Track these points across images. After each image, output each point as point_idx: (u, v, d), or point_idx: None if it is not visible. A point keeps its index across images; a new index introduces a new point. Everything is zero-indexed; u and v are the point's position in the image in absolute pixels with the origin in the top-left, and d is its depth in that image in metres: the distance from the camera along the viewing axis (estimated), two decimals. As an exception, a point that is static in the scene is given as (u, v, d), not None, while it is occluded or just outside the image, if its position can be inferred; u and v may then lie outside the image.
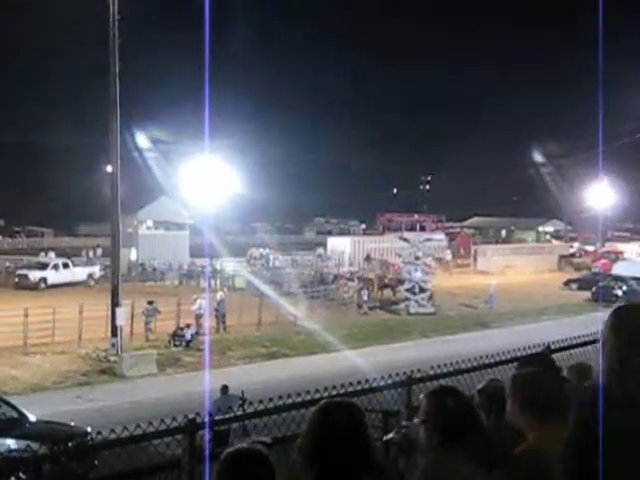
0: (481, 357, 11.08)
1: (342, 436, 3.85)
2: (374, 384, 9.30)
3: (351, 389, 8.53)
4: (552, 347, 10.71)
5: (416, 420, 5.06)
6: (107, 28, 38.46)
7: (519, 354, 10.04)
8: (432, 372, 9.70)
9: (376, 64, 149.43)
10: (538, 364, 7.10)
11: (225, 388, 23.41)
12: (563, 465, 3.61)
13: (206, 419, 8.56)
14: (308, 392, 8.19)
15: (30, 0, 60.34)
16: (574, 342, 11.15)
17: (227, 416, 10.93)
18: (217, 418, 9.83)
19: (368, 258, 69.89)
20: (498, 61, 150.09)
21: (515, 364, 8.62)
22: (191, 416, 7.96)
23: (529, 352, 9.81)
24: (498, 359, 10.44)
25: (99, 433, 9.60)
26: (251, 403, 9.74)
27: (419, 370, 9.76)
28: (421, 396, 5.00)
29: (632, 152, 60.99)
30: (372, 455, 3.88)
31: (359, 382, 9.48)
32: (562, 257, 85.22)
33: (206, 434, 8.08)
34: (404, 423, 6.26)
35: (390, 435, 5.97)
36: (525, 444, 4.62)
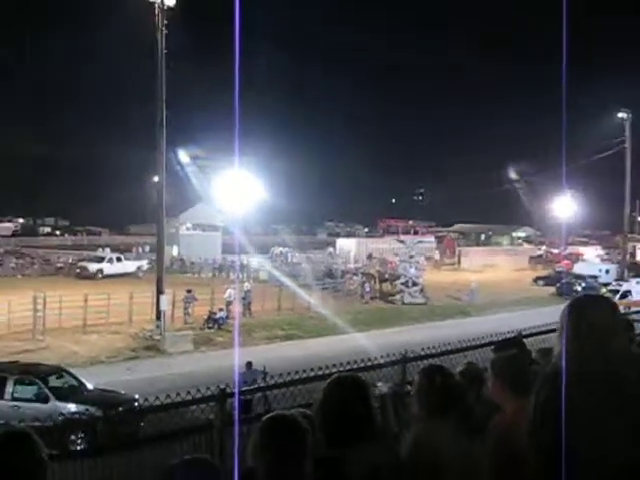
0: (464, 340, 11.07)
1: (351, 405, 3.85)
2: (375, 362, 9.30)
3: (356, 366, 8.53)
4: (523, 333, 10.69)
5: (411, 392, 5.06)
6: (156, 61, 38.61)
7: (495, 339, 10.05)
8: (423, 353, 9.69)
9: (380, 96, 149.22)
10: (511, 347, 7.10)
11: (249, 364, 23.28)
12: (531, 425, 3.61)
13: (235, 389, 8.57)
14: (320, 368, 8.19)
15: (94, 37, 60.23)
16: (542, 329, 11.13)
17: (252, 387, 10.92)
18: (243, 389, 9.84)
19: (370, 257, 69.88)
20: (480, 94, 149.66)
21: (492, 347, 8.66)
22: (222, 386, 7.96)
23: (504, 337, 9.81)
24: (478, 343, 10.43)
25: (146, 400, 9.60)
26: (272, 377, 9.72)
27: (412, 351, 9.77)
28: (415, 376, 5.00)
29: (590, 171, 60.72)
30: (375, 422, 3.88)
31: (362, 360, 9.47)
32: (532, 258, 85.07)
33: (235, 401, 8.08)
34: (395, 382, 6.28)
35: (383, 388, 5.96)
36: (502, 416, 4.61)
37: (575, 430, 3.45)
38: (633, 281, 51.71)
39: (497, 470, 4.11)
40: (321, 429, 3.79)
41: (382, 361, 9.30)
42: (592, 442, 3.46)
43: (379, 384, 5.52)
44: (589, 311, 3.80)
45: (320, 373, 8.14)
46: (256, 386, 11.06)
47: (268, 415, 3.77)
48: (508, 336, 10.29)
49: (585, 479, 3.46)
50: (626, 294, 45.62)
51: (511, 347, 7.00)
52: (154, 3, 38.54)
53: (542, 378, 3.71)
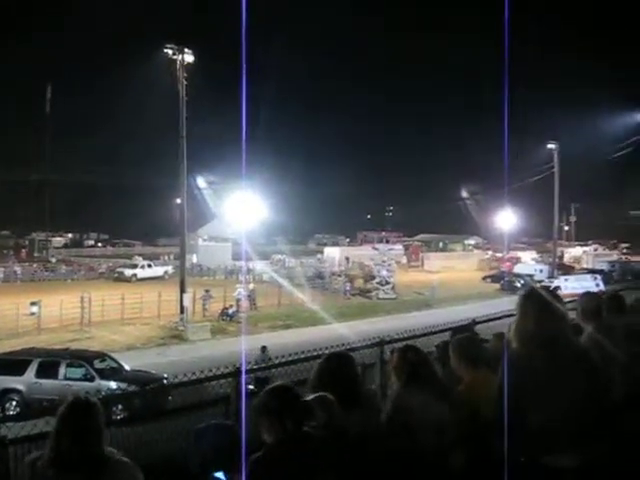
0: (427, 327, 11.07)
1: (340, 377, 3.86)
2: (359, 344, 9.29)
3: (343, 348, 8.53)
4: (478, 320, 10.72)
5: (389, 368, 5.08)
6: (178, 105, 38.73)
7: (452, 326, 10.07)
8: (396, 336, 9.67)
9: (358, 131, 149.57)
10: (466, 331, 7.12)
11: (264, 348, 23.04)
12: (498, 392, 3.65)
13: (242, 367, 8.55)
14: (315, 350, 8.18)
15: (129, 83, 60.29)
16: (490, 317, 11.15)
17: (261, 365, 10.88)
18: (254, 367, 9.82)
19: (347, 260, 69.91)
20: (435, 125, 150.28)
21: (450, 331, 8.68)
22: (237, 366, 7.95)
23: (461, 324, 9.83)
24: (439, 328, 10.43)
25: (175, 377, 9.56)
26: (270, 358, 9.67)
27: (388, 335, 9.76)
28: (389, 352, 5.01)
29: (526, 190, 61.04)
30: (361, 391, 3.88)
31: (348, 343, 9.47)
32: (481, 261, 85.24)
33: (242, 378, 8.04)
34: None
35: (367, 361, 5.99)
36: (462, 385, 4.64)
37: (526, 392, 3.50)
38: (562, 278, 51.87)
39: (459, 423, 4.14)
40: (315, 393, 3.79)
41: (365, 344, 9.29)
42: (536, 399, 3.50)
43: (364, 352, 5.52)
44: (535, 302, 3.84)
45: (315, 354, 8.15)
46: (262, 365, 11.03)
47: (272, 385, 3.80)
48: (464, 323, 10.34)
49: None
50: (556, 289, 45.54)
51: (466, 331, 7.02)
52: (176, 60, 38.66)
53: (505, 360, 3.74)
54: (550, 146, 62.37)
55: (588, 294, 5.58)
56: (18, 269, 66.69)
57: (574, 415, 3.48)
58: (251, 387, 9.04)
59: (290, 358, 8.71)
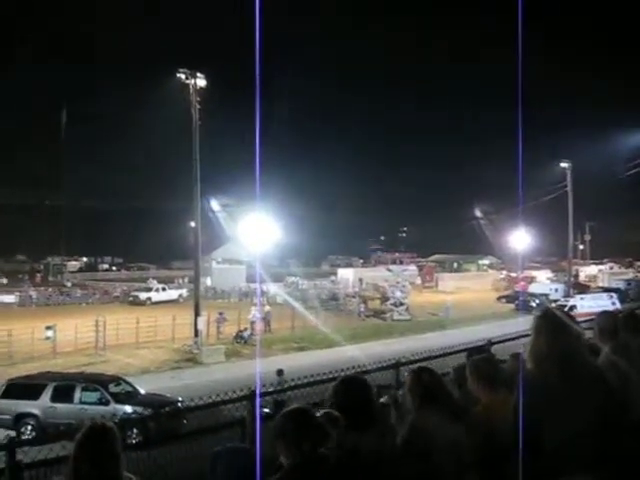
0: (442, 348, 11.02)
1: (355, 400, 3.85)
2: (374, 367, 9.25)
3: (359, 370, 8.50)
4: (492, 341, 10.66)
5: (401, 391, 5.06)
6: (191, 129, 39.02)
7: (468, 347, 10.03)
8: (412, 358, 9.65)
9: (370, 155, 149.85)
10: (482, 352, 7.09)
11: (280, 371, 22.61)
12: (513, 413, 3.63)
13: (257, 390, 8.53)
14: (330, 372, 8.16)
15: (142, 108, 60.84)
16: (507, 337, 11.10)
17: (271, 389, 10.84)
18: (268, 390, 9.78)
19: (361, 281, 69.78)
20: (448, 147, 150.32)
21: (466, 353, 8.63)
22: (252, 389, 7.93)
23: (477, 344, 9.79)
24: (455, 349, 10.39)
25: (191, 400, 9.56)
26: (286, 380, 9.64)
27: (403, 357, 9.73)
28: (406, 374, 4.99)
29: (540, 209, 60.75)
30: (376, 413, 3.87)
31: (361, 365, 9.43)
32: (495, 281, 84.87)
33: (256, 401, 8.01)
34: (392, 392, 6.25)
35: (382, 399, 5.96)
36: (480, 406, 4.62)
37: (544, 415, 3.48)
38: (578, 297, 51.54)
39: (475, 445, 4.11)
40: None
41: (380, 365, 9.26)
42: (554, 420, 3.48)
43: (382, 399, 5.50)
44: (551, 322, 3.83)
45: (329, 377, 8.13)
46: (278, 388, 10.97)
47: (288, 407, 3.80)
48: (479, 343, 10.29)
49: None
50: (572, 308, 45.34)
51: (482, 352, 6.99)
52: (189, 84, 39.02)
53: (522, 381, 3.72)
54: (563, 165, 62.28)
55: (605, 313, 5.55)
56: (33, 293, 67.10)
57: (590, 436, 3.45)
58: (267, 410, 9.02)
59: (305, 381, 8.69)
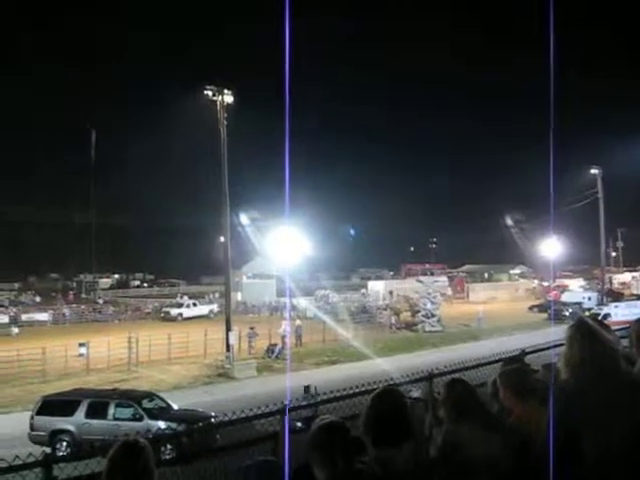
0: (476, 359, 10.93)
1: (390, 413, 3.82)
2: (406, 379, 9.20)
3: (392, 382, 8.45)
4: (526, 350, 10.55)
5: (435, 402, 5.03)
6: (219, 145, 39.28)
7: (500, 357, 9.93)
8: (445, 369, 9.57)
9: (399, 164, 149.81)
10: (515, 362, 7.02)
11: (307, 387, 22.51)
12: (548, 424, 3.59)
13: (287, 405, 8.51)
14: (363, 385, 8.12)
15: (170, 126, 61.38)
16: (540, 347, 10.96)
17: (307, 403, 10.82)
18: (301, 404, 9.77)
19: (391, 293, 69.54)
20: (478, 156, 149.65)
21: (500, 363, 8.54)
22: (284, 403, 7.92)
23: (510, 355, 9.69)
24: (488, 360, 10.30)
25: (224, 415, 9.56)
26: (318, 394, 9.63)
27: (437, 368, 9.66)
28: (440, 385, 4.97)
29: (571, 216, 60.12)
30: (411, 427, 3.84)
31: (393, 378, 9.38)
32: (527, 290, 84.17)
33: (285, 416, 7.97)
34: (427, 403, 6.22)
35: (414, 393, 5.94)
36: (512, 417, 4.57)
37: (587, 431, 3.43)
38: (612, 305, 50.95)
39: (510, 457, 4.07)
40: (368, 433, 3.76)
41: (413, 377, 9.20)
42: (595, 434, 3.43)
43: (411, 390, 5.47)
44: (584, 332, 3.79)
45: (360, 390, 8.09)
46: (310, 402, 10.95)
47: (321, 420, 3.78)
48: (513, 354, 10.18)
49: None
50: (606, 316, 44.77)
51: (514, 362, 6.92)
52: (216, 101, 39.33)
53: (556, 392, 3.67)
54: (594, 171, 61.67)
55: (640, 320, 5.46)
56: (66, 311, 67.92)
57: (629, 446, 3.39)
58: (299, 424, 8.99)
59: (333, 395, 8.66)
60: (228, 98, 39.58)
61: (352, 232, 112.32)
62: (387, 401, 3.89)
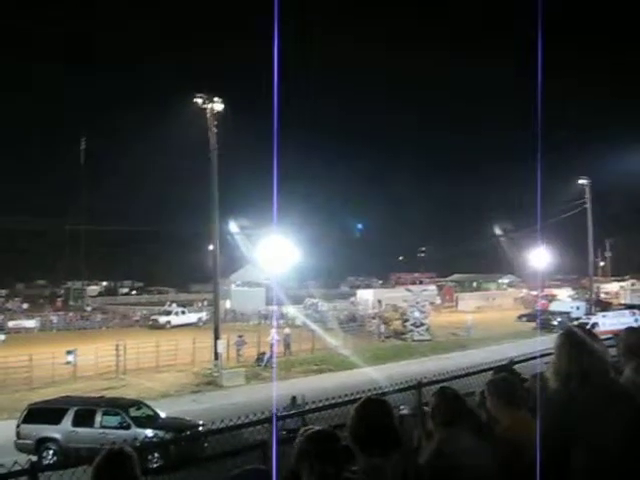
0: (465, 368, 10.94)
1: (377, 422, 3.81)
2: (394, 388, 9.20)
3: (380, 391, 8.44)
4: (515, 360, 10.58)
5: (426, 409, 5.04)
6: (208, 153, 39.23)
7: (488, 367, 9.94)
8: (434, 379, 9.58)
9: (388, 175, 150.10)
10: (504, 371, 7.04)
11: (294, 398, 22.29)
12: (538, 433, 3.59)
13: (274, 414, 8.49)
14: (351, 394, 8.10)
15: (158, 133, 61.34)
16: (528, 357, 10.98)
17: (294, 411, 10.80)
18: (289, 413, 9.74)
19: (380, 302, 69.54)
20: (466, 166, 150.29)
21: (490, 372, 8.56)
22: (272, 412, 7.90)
23: (498, 364, 9.71)
24: (478, 369, 10.31)
25: (212, 423, 9.52)
26: (306, 403, 9.60)
27: (425, 377, 9.66)
28: (431, 397, 4.97)
29: (559, 227, 60.36)
30: (399, 435, 3.82)
31: (381, 387, 9.38)
32: (515, 299, 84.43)
33: (274, 424, 7.94)
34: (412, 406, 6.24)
35: (404, 410, 5.93)
36: (501, 426, 4.58)
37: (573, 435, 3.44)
38: (599, 315, 51.07)
39: (500, 465, 4.08)
40: (355, 441, 3.74)
41: (401, 387, 9.19)
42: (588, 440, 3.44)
43: (401, 407, 5.46)
44: (575, 341, 3.80)
45: (347, 399, 8.07)
46: (299, 410, 10.93)
47: (310, 429, 3.76)
48: (501, 363, 10.21)
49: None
50: (594, 326, 44.90)
51: (504, 371, 6.93)
52: (206, 109, 39.31)
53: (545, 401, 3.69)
54: (582, 182, 61.97)
55: (630, 329, 5.47)
56: (54, 318, 67.61)
57: (619, 455, 3.40)
58: (284, 433, 8.97)
59: (321, 404, 8.64)
60: (218, 106, 39.53)
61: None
62: (373, 410, 3.88)
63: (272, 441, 7.23)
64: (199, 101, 39.40)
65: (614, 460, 3.40)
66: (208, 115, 39.25)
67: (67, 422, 22.18)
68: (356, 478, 3.54)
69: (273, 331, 44.91)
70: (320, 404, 8.98)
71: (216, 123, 39.25)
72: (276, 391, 28.00)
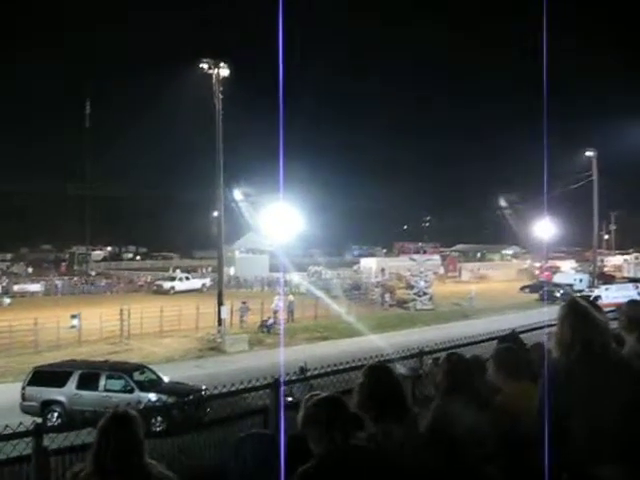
0: (467, 337, 10.98)
1: (388, 388, 3.83)
2: (398, 356, 9.23)
3: (383, 358, 8.47)
4: (517, 330, 10.59)
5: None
6: (214, 119, 38.99)
7: (489, 336, 9.98)
8: (435, 347, 9.62)
9: (393, 145, 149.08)
10: (509, 341, 7.06)
11: (302, 368, 22.26)
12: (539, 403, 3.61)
13: (281, 379, 8.53)
14: (353, 361, 8.15)
15: (165, 99, 61.06)
16: (531, 327, 11.02)
17: (299, 377, 10.85)
18: (291, 379, 9.80)
19: (382, 271, 69.52)
20: (474, 135, 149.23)
21: (490, 342, 8.59)
22: (276, 377, 7.93)
23: (501, 334, 9.72)
24: (481, 338, 10.35)
25: (215, 388, 9.57)
26: (309, 369, 9.65)
27: (427, 346, 9.70)
28: (429, 361, 4.99)
29: (565, 198, 60.05)
30: (407, 402, 3.85)
31: (385, 355, 9.41)
32: (519, 271, 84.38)
33: (281, 389, 7.99)
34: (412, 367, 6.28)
35: (401, 370, 5.98)
36: (502, 395, 4.60)
37: (571, 403, 3.46)
38: (602, 287, 50.99)
39: (498, 435, 4.10)
40: (366, 407, 3.76)
41: (404, 354, 9.23)
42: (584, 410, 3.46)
43: (398, 366, 5.50)
44: (577, 312, 3.81)
45: (351, 366, 8.12)
46: (303, 376, 10.98)
47: (316, 394, 3.78)
48: (504, 333, 10.23)
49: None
50: (597, 298, 44.90)
51: (508, 341, 6.95)
52: (212, 74, 39.01)
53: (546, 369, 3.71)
54: (588, 154, 61.54)
55: (632, 302, 5.47)
56: (59, 282, 67.89)
57: (618, 425, 3.43)
58: (290, 399, 9.02)
59: (324, 370, 8.69)
60: (224, 71, 39.22)
61: (346, 210, 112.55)
62: (382, 376, 3.90)
63: (275, 406, 7.29)
64: (205, 66, 39.08)
65: (613, 428, 3.42)
66: (214, 81, 38.96)
67: (72, 385, 22.35)
68: (363, 444, 3.55)
69: (277, 298, 45.05)
70: (323, 371, 9.03)
71: (222, 89, 38.99)
72: (278, 357, 28.12)
